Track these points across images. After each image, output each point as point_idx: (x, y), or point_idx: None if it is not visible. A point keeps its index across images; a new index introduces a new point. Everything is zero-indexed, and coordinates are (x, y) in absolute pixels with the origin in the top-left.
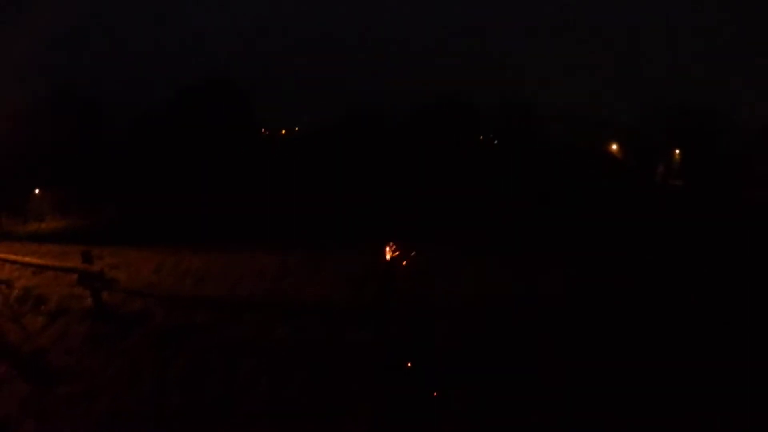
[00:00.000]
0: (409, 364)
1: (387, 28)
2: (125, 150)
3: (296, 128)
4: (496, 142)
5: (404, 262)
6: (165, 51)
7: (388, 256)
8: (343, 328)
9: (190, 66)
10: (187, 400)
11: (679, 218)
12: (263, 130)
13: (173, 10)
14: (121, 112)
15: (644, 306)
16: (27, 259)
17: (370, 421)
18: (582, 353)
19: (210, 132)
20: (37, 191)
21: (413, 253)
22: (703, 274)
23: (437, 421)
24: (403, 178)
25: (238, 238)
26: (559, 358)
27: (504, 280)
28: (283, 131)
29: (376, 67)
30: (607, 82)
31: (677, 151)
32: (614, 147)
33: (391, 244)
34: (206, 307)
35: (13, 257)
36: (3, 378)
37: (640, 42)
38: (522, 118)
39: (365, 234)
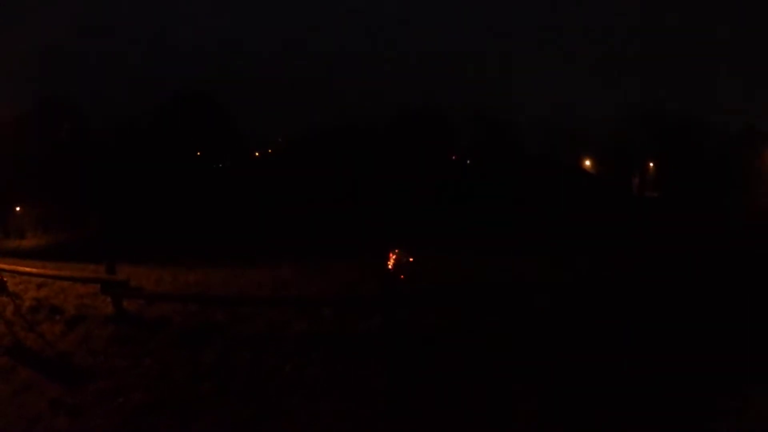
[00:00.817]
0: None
1: (365, 32)
2: (108, 164)
3: (278, 139)
4: (468, 161)
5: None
6: (153, 57)
7: (390, 263)
8: (353, 318)
9: (172, 73)
10: (218, 389)
11: (661, 224)
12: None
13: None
14: (103, 121)
15: (638, 302)
16: (41, 270)
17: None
18: (575, 348)
19: (192, 145)
20: (18, 209)
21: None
22: (691, 271)
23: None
24: (380, 189)
25: (224, 253)
26: (551, 348)
27: (491, 275)
28: (263, 147)
29: (352, 71)
30: (586, 87)
31: (651, 164)
32: (589, 162)
33: (394, 252)
34: (225, 307)
35: (22, 268)
36: (28, 382)
37: (622, 45)
38: (496, 126)
39: (348, 245)
